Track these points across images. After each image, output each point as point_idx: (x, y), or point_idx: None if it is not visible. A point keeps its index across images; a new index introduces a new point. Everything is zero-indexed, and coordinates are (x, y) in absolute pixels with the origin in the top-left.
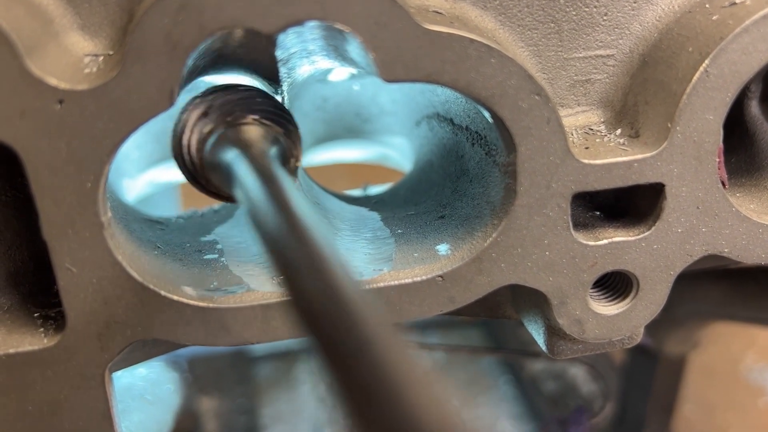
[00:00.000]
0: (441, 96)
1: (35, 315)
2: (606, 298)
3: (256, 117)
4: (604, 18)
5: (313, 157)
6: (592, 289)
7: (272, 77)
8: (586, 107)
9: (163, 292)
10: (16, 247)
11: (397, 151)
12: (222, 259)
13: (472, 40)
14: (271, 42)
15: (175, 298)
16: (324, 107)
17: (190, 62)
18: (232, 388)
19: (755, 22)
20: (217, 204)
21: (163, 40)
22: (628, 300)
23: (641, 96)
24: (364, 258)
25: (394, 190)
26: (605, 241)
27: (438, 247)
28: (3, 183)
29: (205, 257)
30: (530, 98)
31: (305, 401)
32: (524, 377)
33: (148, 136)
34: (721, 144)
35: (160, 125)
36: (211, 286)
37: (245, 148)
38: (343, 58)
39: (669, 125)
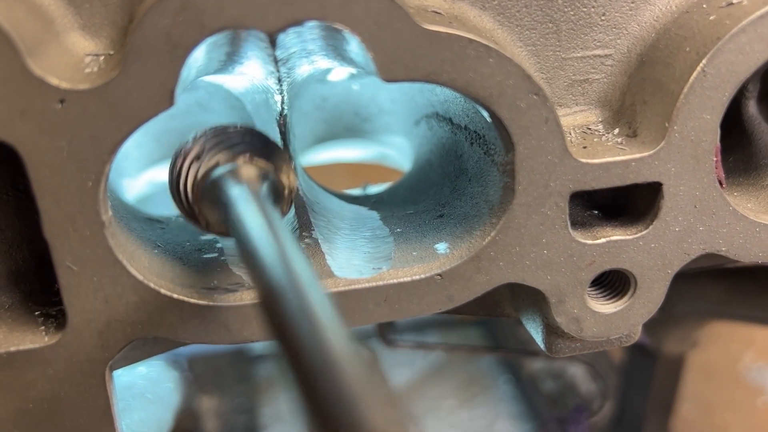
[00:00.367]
0: (440, 95)
1: (36, 313)
2: (604, 296)
3: (247, 158)
4: (602, 18)
5: (313, 156)
6: (590, 287)
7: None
8: (584, 107)
9: (163, 291)
10: (17, 246)
11: (396, 151)
12: (222, 257)
13: (470, 40)
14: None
15: (175, 296)
16: (323, 106)
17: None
18: (232, 387)
19: (752, 22)
20: None
21: (164, 40)
22: (625, 298)
23: (639, 95)
24: (363, 257)
25: (394, 190)
26: (603, 240)
27: (437, 245)
28: (4, 182)
29: (204, 256)
30: (528, 98)
31: None
32: (523, 376)
33: (147, 135)
34: (718, 143)
35: (160, 125)
36: (211, 284)
37: (237, 190)
38: (343, 57)
39: (666, 125)
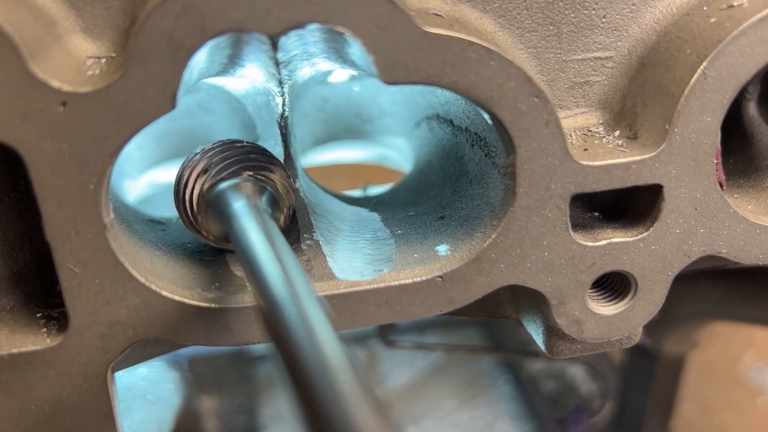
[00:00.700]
0: (441, 97)
1: (38, 315)
2: (604, 298)
3: (251, 173)
4: (603, 20)
5: (314, 157)
6: (590, 289)
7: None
8: (584, 109)
9: (164, 293)
10: (18, 248)
11: (397, 152)
12: (223, 260)
13: (471, 43)
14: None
15: (177, 298)
16: (324, 108)
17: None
18: (232, 387)
19: (753, 24)
20: None
21: (166, 42)
22: (626, 300)
23: (639, 98)
24: (364, 258)
25: (394, 191)
26: (604, 242)
27: (438, 247)
28: (6, 184)
29: (206, 258)
30: (529, 100)
31: None
32: (523, 377)
33: (148, 137)
34: (718, 145)
35: (161, 127)
36: (213, 286)
37: (240, 204)
38: (344, 60)
39: (667, 127)
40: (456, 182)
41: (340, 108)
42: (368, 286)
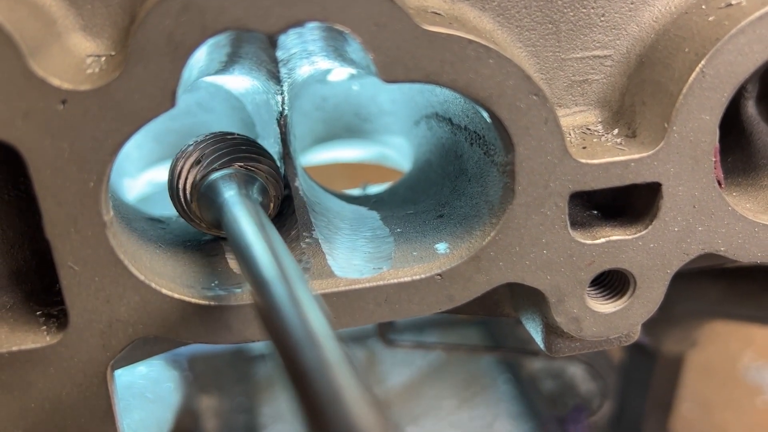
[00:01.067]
0: (440, 96)
1: (38, 313)
2: (603, 296)
3: (241, 164)
4: (602, 19)
5: (313, 156)
6: (589, 287)
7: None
8: (583, 107)
9: (164, 291)
10: (18, 246)
11: (396, 151)
12: (222, 258)
13: (470, 41)
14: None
15: (177, 296)
16: (323, 107)
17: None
18: (231, 386)
19: (751, 23)
20: None
21: (166, 41)
22: (625, 298)
23: (638, 96)
24: (363, 256)
25: (393, 190)
26: (602, 240)
27: (437, 245)
28: (6, 182)
29: (206, 256)
30: (528, 98)
31: None
32: (523, 376)
33: (148, 135)
34: (717, 144)
35: (160, 125)
36: (212, 284)
37: (231, 193)
38: (343, 58)
39: (666, 125)
40: (455, 180)
41: (339, 107)
42: (367, 284)
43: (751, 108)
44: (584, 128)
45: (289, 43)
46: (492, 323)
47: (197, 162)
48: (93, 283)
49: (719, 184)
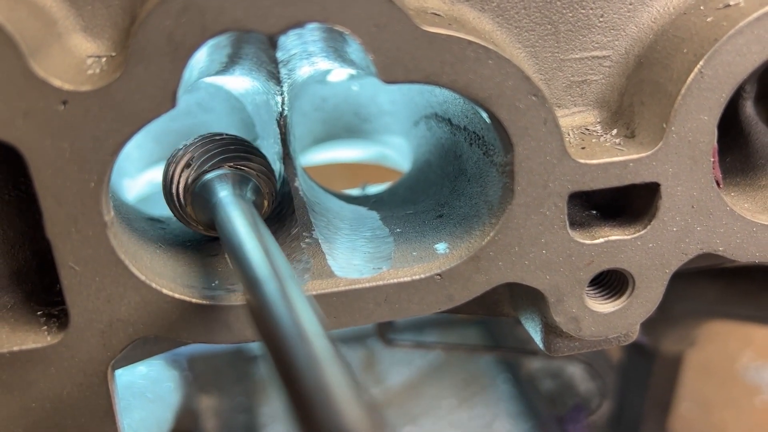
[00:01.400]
0: (439, 96)
1: (38, 313)
2: (602, 296)
3: (231, 164)
4: (600, 20)
5: (313, 156)
6: (588, 287)
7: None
8: (582, 108)
9: (165, 291)
10: (19, 246)
11: (396, 151)
12: (222, 258)
13: (470, 42)
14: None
15: (177, 296)
16: (323, 107)
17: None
18: (231, 386)
19: (749, 23)
20: None
21: (166, 41)
22: (624, 298)
23: (637, 96)
24: (363, 256)
25: (393, 190)
26: (601, 240)
27: (436, 245)
28: (6, 182)
29: (206, 256)
30: (527, 99)
31: None
32: (522, 376)
33: (147, 136)
34: (715, 144)
35: (160, 126)
36: (213, 284)
37: (224, 194)
38: (343, 59)
39: (664, 125)
40: (454, 181)
41: (339, 107)
42: (367, 284)
43: (749, 108)
44: (583, 129)
45: (289, 43)
46: (491, 323)
47: (188, 165)
48: (94, 282)
49: (718, 184)
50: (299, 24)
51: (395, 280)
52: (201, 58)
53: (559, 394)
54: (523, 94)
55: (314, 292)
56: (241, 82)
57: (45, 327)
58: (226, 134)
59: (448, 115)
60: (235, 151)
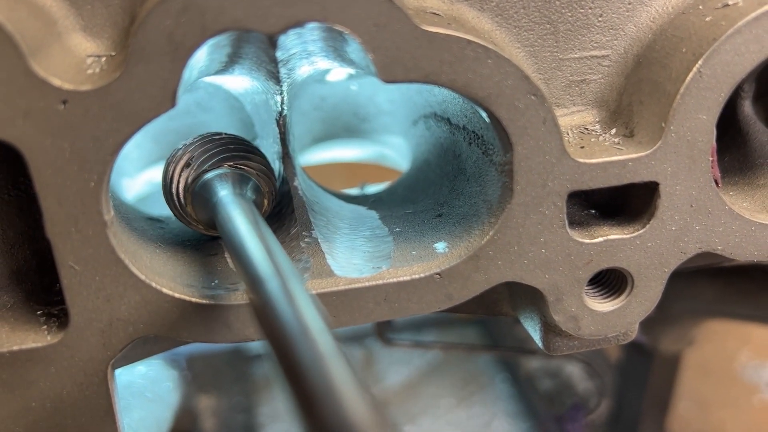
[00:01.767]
0: (438, 96)
1: (38, 312)
2: (601, 295)
3: (231, 164)
4: (599, 19)
5: (312, 156)
6: (587, 286)
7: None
8: (581, 107)
9: (164, 290)
10: (18, 246)
11: (395, 151)
12: (222, 257)
13: (469, 41)
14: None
15: (177, 295)
16: (322, 107)
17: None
18: (230, 386)
19: (747, 23)
20: None
21: (166, 41)
22: (622, 297)
23: (636, 96)
24: (363, 256)
25: (392, 189)
26: (600, 239)
27: (436, 245)
28: (6, 182)
29: (205, 256)
30: (526, 98)
31: None
32: (521, 375)
33: (147, 136)
34: (714, 143)
35: (159, 125)
36: (212, 283)
37: (224, 193)
38: (343, 58)
39: (663, 125)
40: (454, 180)
41: (338, 107)
42: (367, 283)
43: (747, 108)
44: (582, 128)
45: (289, 43)
46: (490, 322)
47: (187, 164)
48: (93, 282)
49: (716, 183)
50: (299, 24)
51: (395, 279)
52: (201, 57)
53: (558, 393)
54: (522, 94)
55: (314, 292)
56: (240, 82)
57: (45, 326)
58: (226, 134)
59: (447, 115)
60: (234, 150)
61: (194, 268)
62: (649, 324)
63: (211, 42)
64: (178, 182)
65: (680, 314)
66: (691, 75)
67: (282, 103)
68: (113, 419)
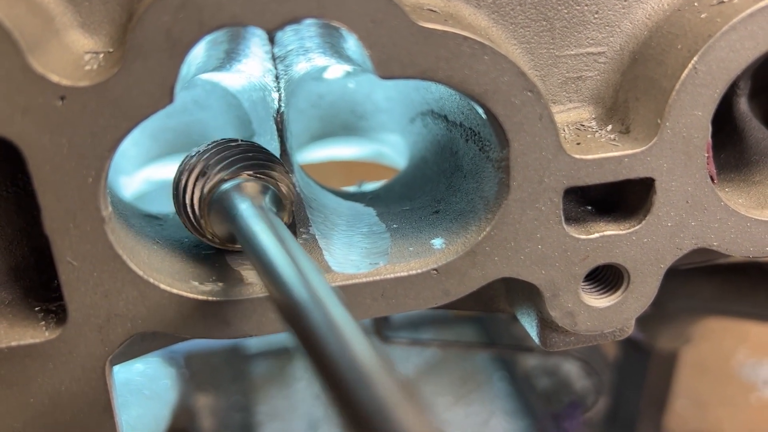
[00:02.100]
0: (435, 93)
1: (36, 309)
2: (597, 290)
3: (251, 173)
4: (596, 16)
5: (309, 154)
6: (583, 282)
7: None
8: (577, 104)
9: (162, 286)
10: (17, 242)
11: (392, 148)
12: (221, 253)
13: (465, 38)
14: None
15: (175, 291)
16: (319, 104)
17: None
18: (227, 385)
19: (743, 19)
20: None
21: (164, 37)
22: (619, 293)
23: (632, 92)
24: (360, 252)
25: (389, 186)
26: (597, 235)
27: (433, 241)
28: (4, 178)
29: (203, 252)
30: (523, 95)
31: (300, 398)
32: (518, 373)
33: (144, 133)
34: (709, 139)
35: (157, 123)
36: (210, 279)
37: (244, 205)
38: (340, 55)
39: (659, 121)
40: (450, 177)
41: (335, 104)
42: (364, 279)
43: (743, 104)
44: (578, 124)
45: (286, 39)
46: (487, 320)
47: (202, 173)
48: (92, 278)
49: (712, 179)
50: (296, 20)
51: (392, 275)
52: (198, 54)
53: (555, 391)
54: (518, 90)
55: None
56: (237, 79)
57: (43, 322)
58: (242, 140)
59: (444, 112)
60: (253, 159)
61: (192, 264)
62: (646, 322)
63: (208, 38)
64: (192, 192)
65: (677, 312)
66: (686, 71)
67: (279, 100)
68: (112, 415)
